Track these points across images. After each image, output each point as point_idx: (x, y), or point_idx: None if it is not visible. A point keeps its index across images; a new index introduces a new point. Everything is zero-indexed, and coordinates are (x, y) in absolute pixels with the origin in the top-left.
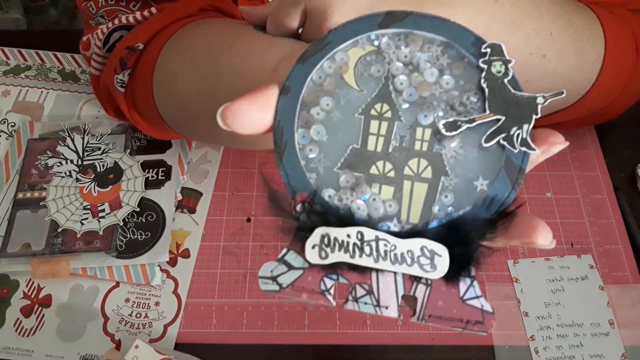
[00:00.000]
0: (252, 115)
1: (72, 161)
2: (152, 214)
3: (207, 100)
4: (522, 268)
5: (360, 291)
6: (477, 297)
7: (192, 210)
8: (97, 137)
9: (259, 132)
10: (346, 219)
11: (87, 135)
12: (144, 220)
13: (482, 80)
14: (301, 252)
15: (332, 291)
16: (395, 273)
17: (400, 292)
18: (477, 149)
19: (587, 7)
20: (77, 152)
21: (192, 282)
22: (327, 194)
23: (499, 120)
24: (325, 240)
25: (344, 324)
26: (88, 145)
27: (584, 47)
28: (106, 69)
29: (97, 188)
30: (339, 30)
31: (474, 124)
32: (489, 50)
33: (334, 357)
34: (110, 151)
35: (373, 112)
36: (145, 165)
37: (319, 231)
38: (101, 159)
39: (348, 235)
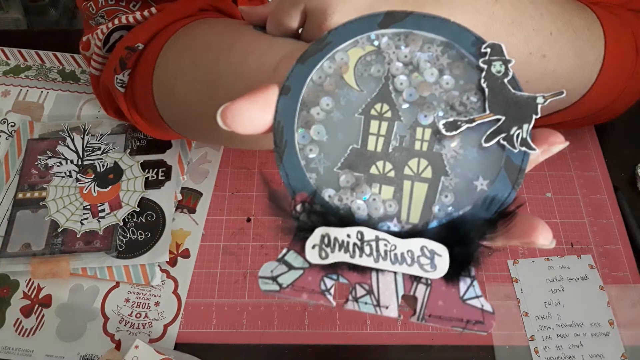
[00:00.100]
0: (252, 115)
1: (72, 161)
2: (152, 214)
3: (207, 100)
4: (522, 268)
5: (360, 291)
6: (477, 296)
7: (192, 210)
8: (97, 137)
9: (259, 132)
10: (346, 219)
11: (87, 135)
12: (144, 220)
13: (482, 80)
14: (301, 252)
15: (332, 291)
16: (395, 273)
17: (401, 292)
18: (477, 148)
19: (587, 7)
20: (77, 152)
21: (192, 282)
22: (327, 194)
23: (499, 120)
24: (325, 240)
25: (344, 324)
26: (88, 145)
27: (584, 47)
28: (106, 69)
29: (97, 188)
30: (339, 30)
31: (474, 123)
32: (489, 50)
33: (334, 357)
34: (110, 151)
35: (373, 112)
36: (145, 165)
37: (319, 231)
38: (101, 159)
39: (348, 235)
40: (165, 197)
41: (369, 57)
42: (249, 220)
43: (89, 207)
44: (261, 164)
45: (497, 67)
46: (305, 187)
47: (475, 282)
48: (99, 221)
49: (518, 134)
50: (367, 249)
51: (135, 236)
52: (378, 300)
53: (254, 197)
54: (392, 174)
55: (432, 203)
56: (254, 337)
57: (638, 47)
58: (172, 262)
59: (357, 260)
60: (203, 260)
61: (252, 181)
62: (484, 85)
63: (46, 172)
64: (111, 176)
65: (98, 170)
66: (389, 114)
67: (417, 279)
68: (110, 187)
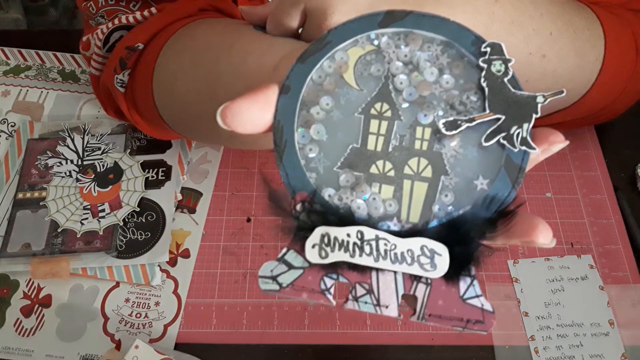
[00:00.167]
0: (252, 115)
1: (72, 161)
2: (152, 214)
3: (207, 100)
4: (522, 268)
5: (360, 290)
6: (477, 296)
7: (192, 210)
8: (97, 137)
9: (258, 132)
10: (346, 218)
11: (87, 135)
12: (144, 220)
13: (482, 80)
14: (301, 251)
15: (332, 290)
16: (395, 272)
17: (401, 292)
18: (477, 148)
19: (587, 7)
20: (77, 152)
21: (192, 282)
22: (327, 193)
23: (499, 119)
24: (325, 239)
25: (344, 324)
26: (88, 145)
27: (584, 47)
28: (106, 69)
29: (97, 188)
30: (338, 29)
31: (474, 123)
32: (488, 49)
33: (334, 357)
34: (110, 151)
35: (373, 111)
36: (145, 165)
37: (319, 230)
38: (101, 159)
39: (348, 235)
40: (165, 197)
41: (368, 56)
42: (249, 220)
43: (89, 207)
44: (261, 164)
45: (497, 66)
46: (305, 187)
47: (475, 282)
48: (99, 221)
49: (518, 133)
50: (367, 249)
51: (135, 236)
52: (378, 300)
53: (254, 197)
54: (392, 173)
55: (432, 202)
56: (254, 337)
57: (638, 47)
58: (172, 262)
59: (357, 260)
60: (203, 260)
61: (252, 181)
62: (484, 84)
63: (46, 172)
64: (111, 176)
65: (98, 170)
66: (388, 113)
67: (417, 278)
68: (110, 187)
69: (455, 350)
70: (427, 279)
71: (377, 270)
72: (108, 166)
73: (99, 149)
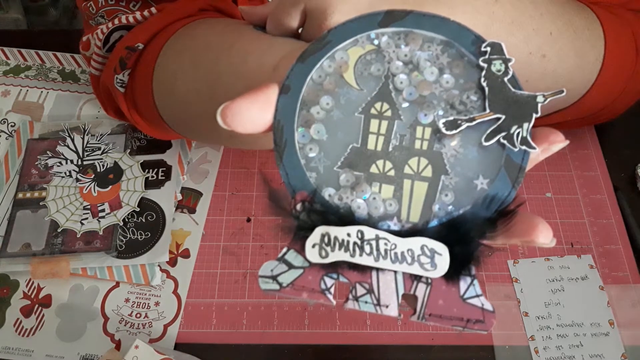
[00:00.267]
0: (252, 114)
1: (72, 161)
2: (152, 214)
3: (207, 100)
4: (522, 268)
5: (360, 290)
6: (478, 295)
7: (192, 210)
8: (97, 137)
9: (258, 131)
10: (346, 218)
11: (87, 135)
12: (144, 220)
13: (482, 79)
14: (301, 251)
15: (332, 290)
16: (395, 272)
17: (401, 291)
18: (477, 147)
19: (587, 7)
20: (77, 152)
21: (192, 282)
22: (327, 193)
23: (499, 118)
24: (326, 239)
25: (344, 324)
26: (88, 145)
27: (584, 47)
28: (106, 69)
29: (97, 188)
30: (338, 29)
31: (474, 122)
32: (488, 49)
33: (334, 357)
34: (110, 151)
35: (373, 111)
36: (145, 165)
37: (319, 230)
38: (101, 159)
39: (348, 234)
40: (165, 197)
41: (368, 56)
42: (249, 220)
43: (89, 207)
44: (261, 164)
45: (497, 65)
46: (305, 186)
47: (475, 281)
48: (99, 221)
49: (518, 133)
50: (367, 248)
51: (135, 236)
52: (378, 300)
53: (254, 197)
54: (392, 172)
55: (432, 202)
56: (254, 337)
57: (638, 47)
58: (172, 262)
59: (357, 260)
60: (203, 260)
61: (252, 181)
62: (484, 84)
63: (46, 172)
64: (111, 176)
65: (98, 170)
66: (389, 113)
67: (417, 278)
68: (110, 187)
69: (455, 350)
70: (427, 278)
71: (378, 269)
72: (108, 166)
73: (99, 149)
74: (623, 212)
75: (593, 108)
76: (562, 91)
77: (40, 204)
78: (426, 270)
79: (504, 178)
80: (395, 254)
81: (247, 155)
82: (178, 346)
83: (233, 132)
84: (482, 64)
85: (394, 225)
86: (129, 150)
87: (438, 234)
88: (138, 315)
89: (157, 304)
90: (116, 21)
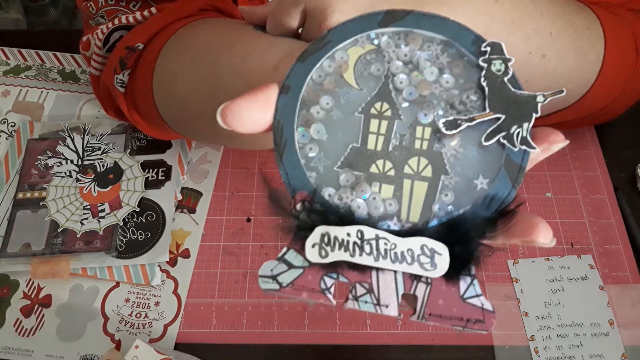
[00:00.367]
0: (252, 114)
1: (72, 161)
2: (152, 214)
3: (207, 100)
4: (522, 268)
5: (360, 290)
6: (477, 295)
7: (192, 210)
8: (97, 137)
9: (258, 131)
10: (346, 217)
11: (87, 135)
12: (144, 220)
13: (482, 79)
14: (301, 251)
15: (332, 290)
16: (395, 272)
17: (401, 291)
18: (477, 147)
19: (587, 7)
20: (77, 152)
21: (192, 282)
22: (327, 192)
23: (499, 118)
24: (325, 239)
25: (344, 324)
26: (88, 145)
27: (584, 47)
28: (106, 69)
29: (97, 188)
30: (338, 29)
31: (474, 122)
32: (488, 48)
33: (334, 357)
34: (110, 151)
35: (373, 110)
36: (145, 165)
37: (319, 230)
38: (101, 159)
39: (348, 234)
40: (165, 197)
41: (368, 55)
42: (249, 220)
43: (89, 207)
44: (261, 164)
45: (497, 65)
46: (305, 186)
47: (475, 281)
48: (99, 221)
49: (518, 133)
50: (367, 248)
51: (135, 236)
52: (378, 299)
53: (254, 197)
54: (392, 172)
55: (432, 202)
56: (254, 337)
57: (638, 47)
58: (172, 262)
59: (357, 259)
60: (203, 260)
61: (252, 181)
62: (484, 83)
63: (46, 172)
64: (111, 176)
65: (98, 170)
66: (388, 113)
67: (417, 277)
68: (110, 187)
69: (455, 350)
70: (427, 278)
71: (377, 269)
72: (108, 166)
73: (99, 149)
74: (623, 212)
75: (593, 108)
76: (562, 91)
77: (40, 204)
78: (426, 270)
79: (504, 178)
80: (395, 253)
81: (247, 155)
82: (178, 346)
83: (233, 132)
84: (482, 63)
85: (393, 225)
86: (129, 150)
87: (438, 234)
88: (138, 315)
89: (157, 304)
90: (116, 21)
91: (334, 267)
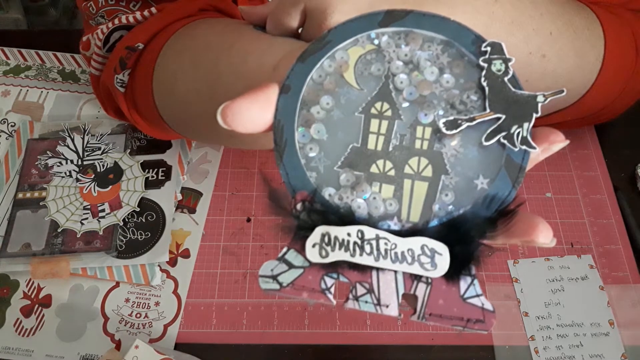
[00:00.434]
0: (252, 114)
1: (72, 161)
2: (152, 214)
3: (207, 100)
4: (522, 268)
5: (360, 290)
6: (478, 295)
7: (192, 210)
8: (97, 137)
9: (259, 131)
10: (346, 217)
11: (87, 135)
12: (144, 220)
13: (482, 79)
14: (301, 251)
15: (332, 290)
16: (395, 272)
17: (401, 291)
18: (478, 147)
19: (587, 7)
20: (77, 152)
21: (192, 282)
22: (328, 192)
23: (499, 118)
24: (326, 239)
25: (344, 324)
26: (88, 145)
27: (584, 47)
28: (106, 69)
29: (97, 188)
30: (338, 29)
31: (474, 122)
32: (489, 48)
33: (334, 357)
34: (110, 151)
35: (373, 110)
36: (145, 165)
37: (319, 230)
38: (101, 159)
39: (348, 234)
40: (165, 197)
41: (369, 55)
42: (249, 220)
43: (89, 207)
44: (261, 164)
45: (497, 65)
46: (306, 186)
47: (475, 281)
48: (99, 221)
49: (518, 133)
50: (367, 248)
51: (135, 236)
52: (378, 299)
53: (254, 197)
54: (392, 172)
55: (433, 202)
56: (254, 337)
57: (638, 47)
58: (172, 262)
59: (358, 259)
60: (203, 260)
61: (252, 181)
62: (484, 83)
63: (46, 172)
64: (111, 176)
65: (98, 170)
66: (389, 113)
67: (417, 277)
68: (110, 187)
69: (455, 350)
70: (427, 278)
71: (378, 269)
72: (108, 166)
73: (99, 149)
74: (623, 212)
75: (593, 108)
76: (562, 91)
77: (40, 204)
78: (426, 270)
79: (504, 178)
80: (396, 253)
81: (247, 155)
82: (178, 346)
83: (233, 132)
84: (482, 63)
85: (394, 225)
86: (129, 150)
87: (438, 234)
88: (138, 315)
89: (157, 304)
90: (116, 21)
91: (334, 267)
